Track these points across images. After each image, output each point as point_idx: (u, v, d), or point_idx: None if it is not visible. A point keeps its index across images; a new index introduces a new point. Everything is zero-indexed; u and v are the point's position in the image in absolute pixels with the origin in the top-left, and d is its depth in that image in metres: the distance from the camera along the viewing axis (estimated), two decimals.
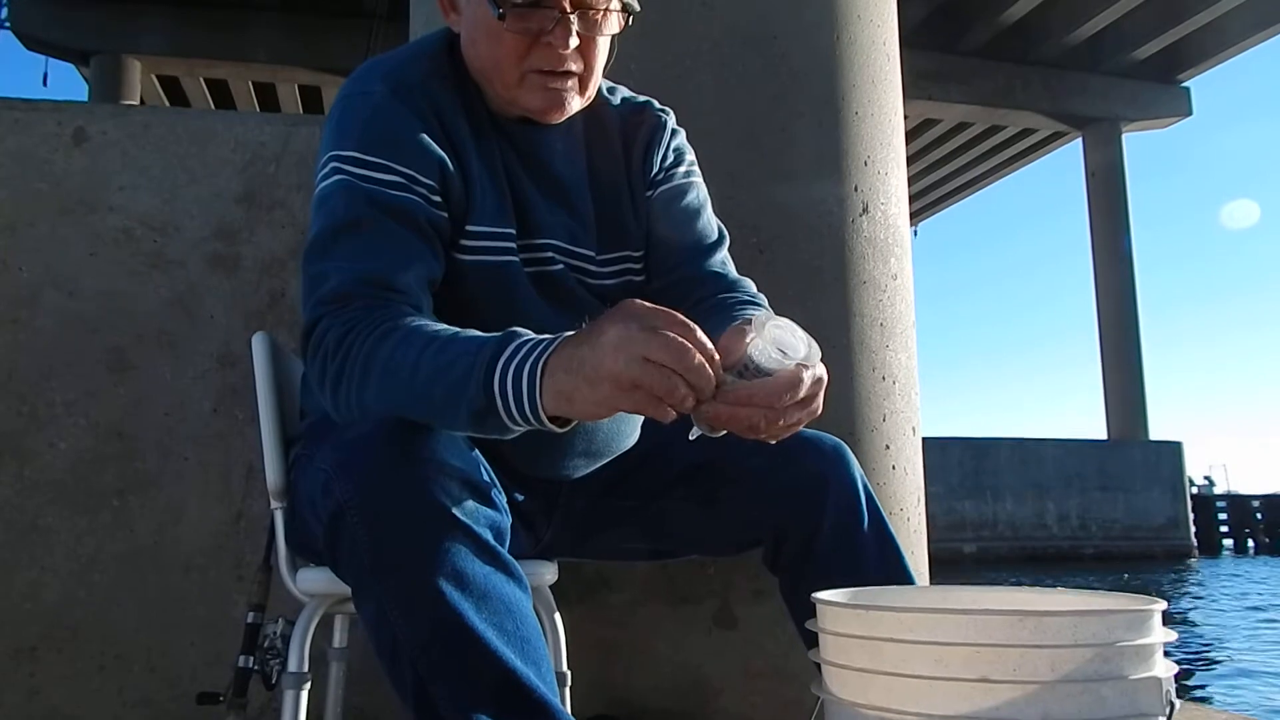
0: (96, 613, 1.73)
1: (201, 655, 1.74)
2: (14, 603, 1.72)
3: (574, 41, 1.17)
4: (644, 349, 0.87)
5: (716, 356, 0.91)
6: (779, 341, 0.93)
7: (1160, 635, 0.82)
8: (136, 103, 17.32)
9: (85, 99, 17.61)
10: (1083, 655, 0.77)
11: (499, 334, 0.97)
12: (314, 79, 18.60)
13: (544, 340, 0.94)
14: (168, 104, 19.75)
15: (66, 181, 1.83)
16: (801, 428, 1.00)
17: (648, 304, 0.92)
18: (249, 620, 1.33)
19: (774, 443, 1.01)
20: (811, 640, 0.99)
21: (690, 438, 1.01)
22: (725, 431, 0.99)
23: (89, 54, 17.62)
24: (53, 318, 1.79)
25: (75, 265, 1.81)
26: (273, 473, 1.25)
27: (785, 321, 0.96)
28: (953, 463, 18.82)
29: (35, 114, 1.86)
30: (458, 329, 1.02)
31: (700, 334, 0.90)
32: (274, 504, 1.26)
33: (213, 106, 20.00)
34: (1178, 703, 0.79)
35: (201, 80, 19.22)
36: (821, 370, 0.98)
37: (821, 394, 0.99)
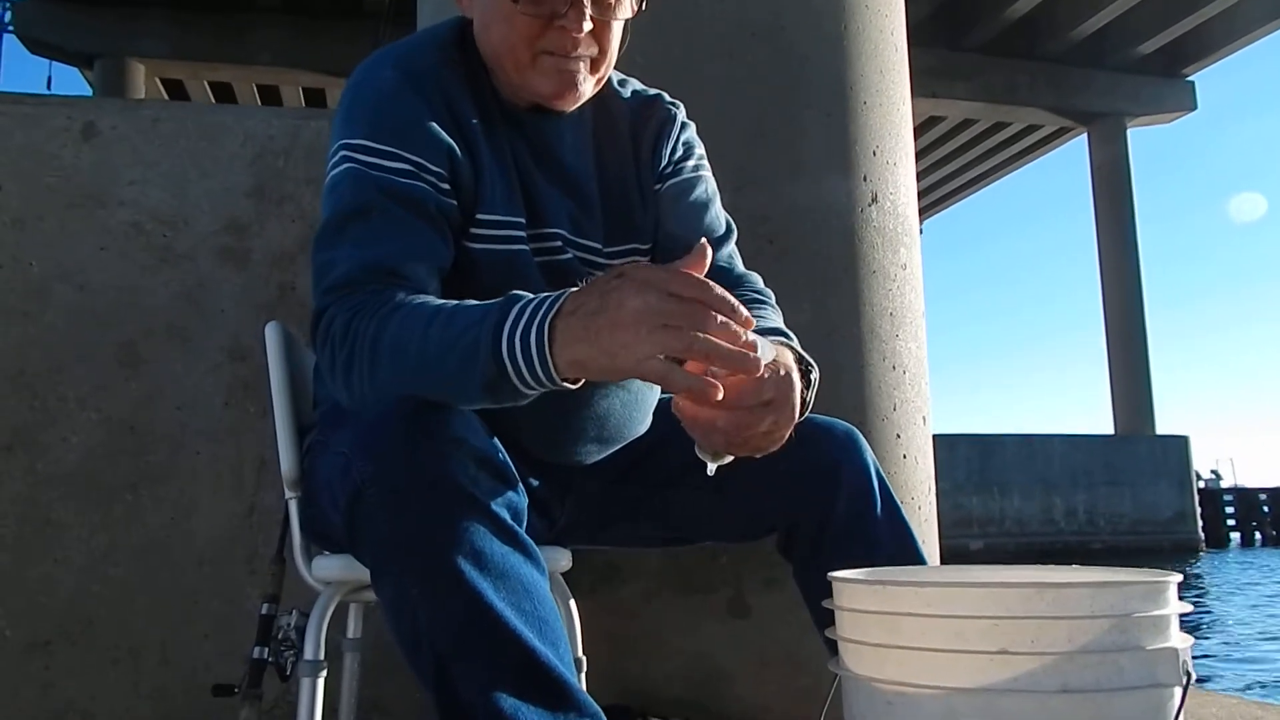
0: (110, 606, 1.74)
1: (215, 648, 1.75)
2: (28, 596, 1.72)
3: (588, 25, 1.17)
4: (665, 285, 0.87)
5: (740, 309, 0.89)
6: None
7: (1176, 607, 0.82)
8: None
9: (74, 96, 17.66)
10: (1100, 626, 0.77)
11: (500, 300, 0.97)
12: (317, 81, 18.62)
13: (546, 299, 0.94)
14: (158, 100, 19.78)
15: (76, 176, 1.84)
16: (778, 433, 1.00)
17: (658, 267, 0.91)
18: (263, 612, 1.33)
19: (758, 456, 1.02)
20: (826, 620, 0.99)
21: (709, 473, 1.02)
22: (729, 460, 1.01)
23: (93, 57, 17.66)
24: (63, 312, 1.80)
25: (85, 259, 1.82)
26: (287, 461, 1.25)
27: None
28: (959, 459, 18.78)
29: (45, 109, 1.87)
30: (459, 301, 1.02)
31: (718, 290, 0.89)
32: (288, 493, 1.26)
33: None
34: (1194, 673, 0.79)
35: (205, 83, 19.26)
36: (789, 367, 1.00)
37: (794, 395, 1.00)
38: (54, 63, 18.25)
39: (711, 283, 0.89)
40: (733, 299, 0.89)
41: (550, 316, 0.92)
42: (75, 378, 1.78)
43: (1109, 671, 0.76)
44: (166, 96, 19.56)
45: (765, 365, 0.95)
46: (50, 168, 1.83)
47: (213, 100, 19.89)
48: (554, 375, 0.92)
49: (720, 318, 0.87)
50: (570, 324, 0.91)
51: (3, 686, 1.70)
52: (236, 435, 1.82)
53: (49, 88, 19.01)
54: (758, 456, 1.02)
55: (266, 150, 1.89)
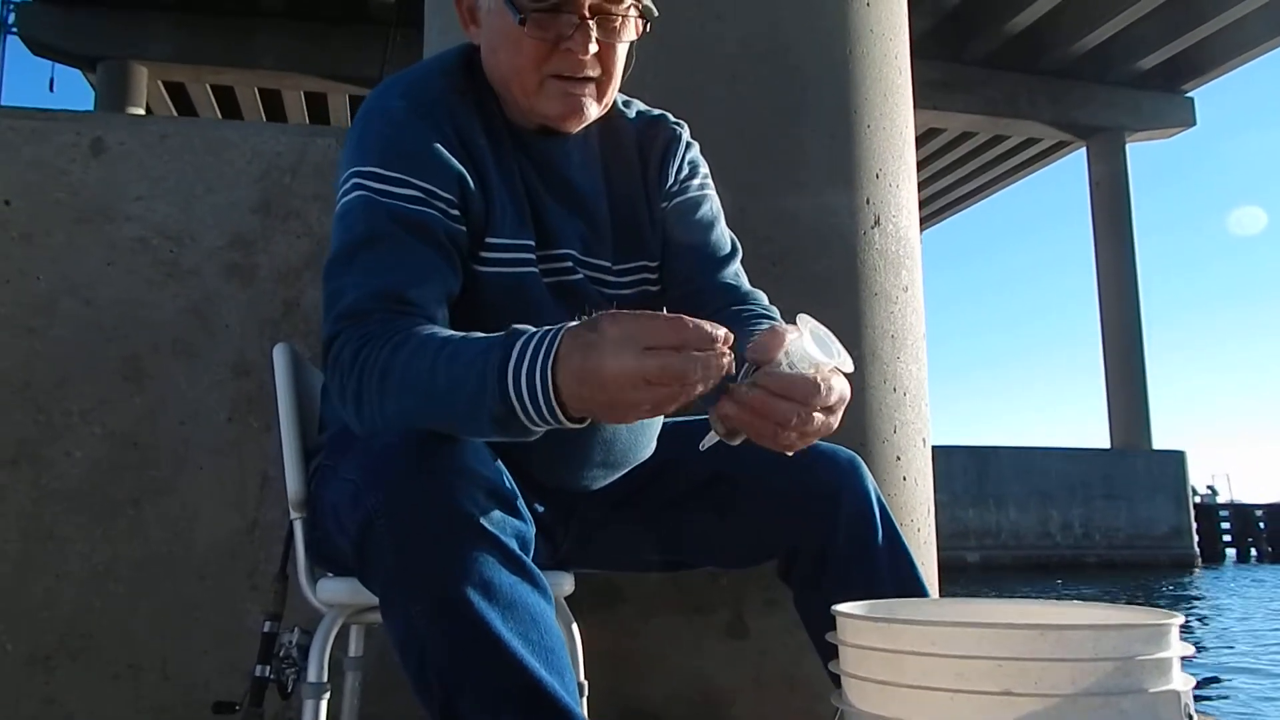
0: (112, 621, 1.74)
1: (215, 664, 1.75)
2: (30, 610, 1.73)
3: (593, 47, 1.19)
4: (642, 339, 0.87)
5: (724, 332, 0.89)
6: (819, 341, 0.95)
7: (1178, 649, 0.83)
8: (143, 109, 17.37)
9: (91, 105, 17.68)
10: (1103, 669, 0.78)
11: (500, 336, 0.97)
12: (321, 86, 18.64)
13: (545, 337, 0.94)
14: (174, 110, 19.79)
15: (84, 191, 1.84)
16: (816, 440, 1.00)
17: (631, 319, 0.91)
18: (265, 629, 1.33)
19: (790, 454, 1.01)
20: (827, 651, 1.00)
21: (701, 447, 1.01)
22: (742, 439, 1.00)
23: (96, 60, 17.65)
24: (69, 326, 1.80)
25: (92, 274, 1.82)
26: (293, 483, 1.25)
27: (825, 329, 0.97)
28: (956, 471, 18.77)
29: (53, 124, 1.87)
30: (464, 334, 1.03)
31: (691, 327, 0.88)
32: (294, 514, 1.27)
33: (219, 113, 20.06)
34: (1196, 716, 0.80)
35: (208, 87, 19.27)
36: (847, 387, 1.00)
37: (841, 411, 1.00)
38: (57, 65, 18.25)
39: (683, 319, 0.88)
40: (705, 325, 0.89)
41: (551, 361, 0.92)
42: (80, 392, 1.79)
43: (1111, 714, 0.77)
44: (169, 100, 19.57)
45: (828, 369, 0.95)
46: (58, 183, 1.84)
47: (215, 104, 19.91)
48: (559, 412, 0.93)
49: (699, 353, 0.88)
50: (567, 363, 0.91)
51: (4, 700, 1.70)
52: (239, 450, 1.82)
53: (51, 89, 19.04)
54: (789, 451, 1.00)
55: (273, 167, 1.90)
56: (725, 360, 0.89)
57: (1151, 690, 0.79)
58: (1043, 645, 0.78)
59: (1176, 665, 0.83)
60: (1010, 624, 0.81)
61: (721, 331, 0.89)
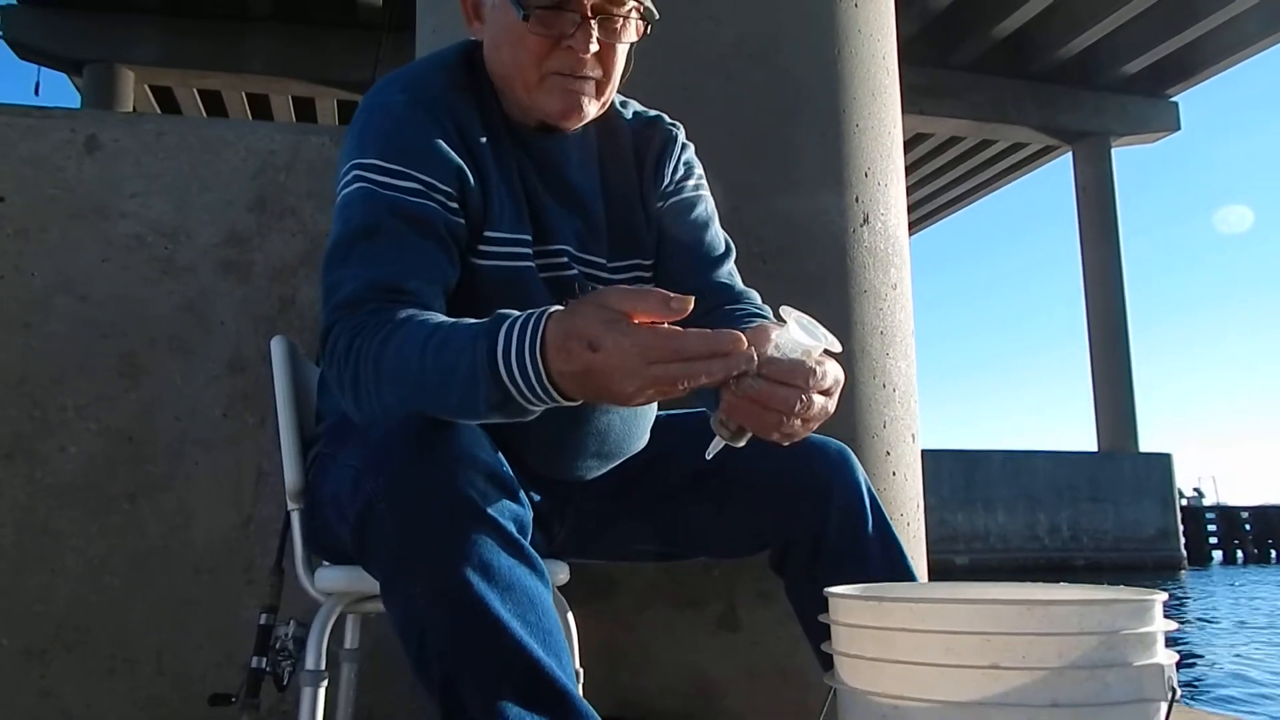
0: (107, 615, 1.75)
1: (211, 657, 1.76)
2: (25, 604, 1.73)
3: (594, 46, 1.21)
4: (646, 355, 0.89)
5: (734, 336, 0.91)
6: (804, 328, 0.97)
7: (1161, 624, 0.85)
8: (129, 112, 17.28)
9: (77, 109, 17.56)
10: (1088, 643, 0.80)
11: (486, 322, 0.98)
12: (309, 90, 18.59)
13: (530, 320, 0.95)
14: (161, 114, 19.71)
15: (79, 188, 1.85)
16: (815, 427, 1.02)
17: (619, 295, 0.92)
18: (261, 621, 1.35)
19: (786, 444, 1.03)
20: (819, 637, 1.02)
21: (708, 456, 1.02)
22: (746, 439, 1.01)
23: (82, 63, 17.56)
24: (65, 323, 1.81)
25: (87, 271, 1.83)
26: (291, 473, 1.27)
27: (808, 317, 0.99)
28: (945, 474, 18.84)
29: (48, 121, 1.88)
30: (453, 321, 1.04)
31: (690, 341, 0.90)
32: (291, 505, 1.28)
33: (205, 117, 19.99)
34: (1179, 689, 0.82)
35: (194, 91, 19.20)
36: (840, 370, 1.02)
37: (838, 393, 1.02)
38: (43, 69, 18.15)
39: (679, 332, 0.90)
40: (711, 337, 0.90)
41: (539, 345, 0.93)
42: (76, 388, 1.80)
43: (1096, 687, 0.79)
44: (155, 103, 19.50)
45: (819, 352, 0.97)
46: (53, 179, 1.85)
47: (202, 108, 19.84)
48: (556, 398, 0.95)
49: (700, 363, 0.90)
50: (571, 388, 0.93)
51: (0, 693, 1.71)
52: (235, 446, 1.83)
53: (37, 93, 18.92)
54: (781, 440, 1.01)
55: (268, 164, 1.91)
56: (735, 361, 0.91)
57: (1135, 664, 0.82)
58: (1029, 620, 0.80)
59: (1160, 640, 0.85)
60: (998, 599, 0.83)
61: (728, 340, 0.90)
